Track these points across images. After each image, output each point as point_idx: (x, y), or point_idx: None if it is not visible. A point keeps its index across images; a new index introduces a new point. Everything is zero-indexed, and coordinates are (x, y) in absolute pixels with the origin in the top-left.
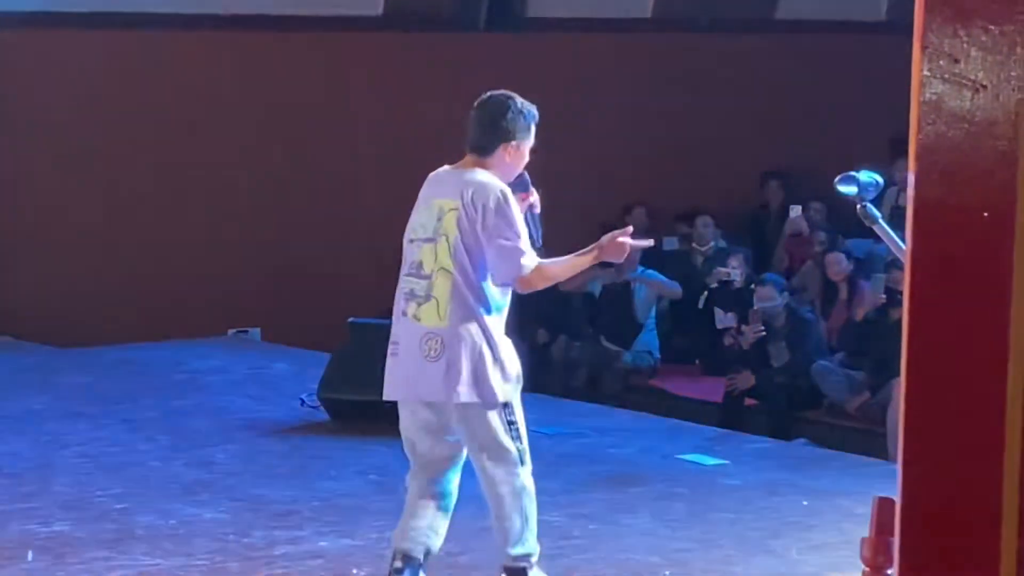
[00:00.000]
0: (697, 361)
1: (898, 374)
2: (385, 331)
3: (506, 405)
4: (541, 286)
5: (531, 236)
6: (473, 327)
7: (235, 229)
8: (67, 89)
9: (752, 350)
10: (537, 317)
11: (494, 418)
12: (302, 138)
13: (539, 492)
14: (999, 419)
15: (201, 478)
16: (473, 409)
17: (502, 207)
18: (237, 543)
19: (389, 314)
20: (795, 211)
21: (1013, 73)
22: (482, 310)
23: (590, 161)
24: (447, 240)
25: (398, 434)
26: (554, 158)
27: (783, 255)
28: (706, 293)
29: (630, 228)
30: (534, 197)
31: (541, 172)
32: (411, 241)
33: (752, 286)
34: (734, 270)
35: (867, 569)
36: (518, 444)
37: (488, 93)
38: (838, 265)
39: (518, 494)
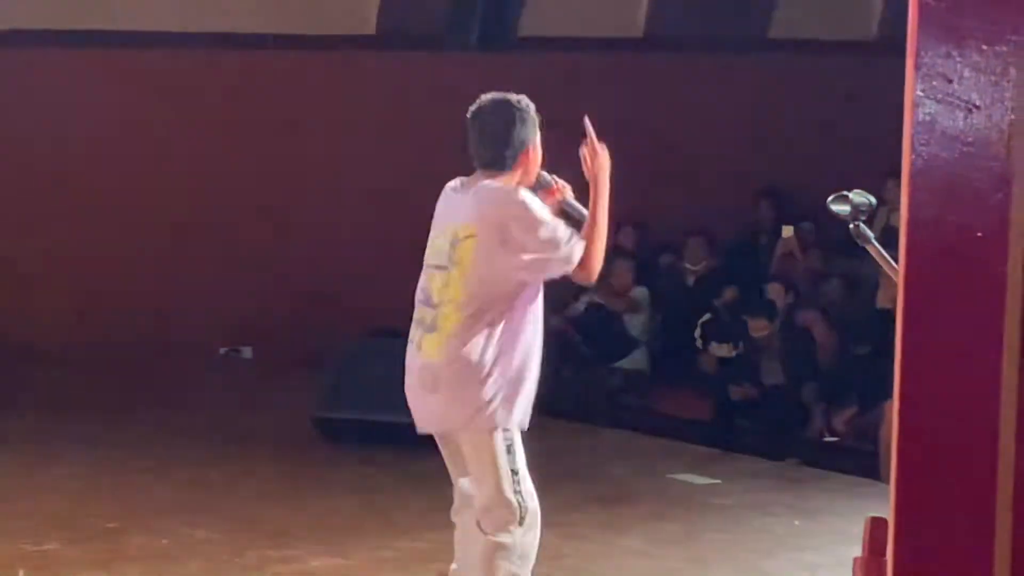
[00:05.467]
0: (687, 381)
1: (888, 396)
2: (377, 349)
3: (506, 431)
4: (598, 263)
5: (578, 223)
6: (479, 356)
7: (227, 249)
8: (55, 108)
9: (745, 369)
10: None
11: (487, 447)
12: (294, 157)
13: None
14: (993, 439)
15: (194, 497)
16: (475, 436)
17: (524, 219)
18: (230, 563)
19: (381, 333)
20: (787, 231)
21: (1006, 94)
22: (491, 343)
23: (581, 179)
24: (460, 270)
25: (391, 453)
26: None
27: (775, 274)
28: (700, 328)
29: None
30: (562, 188)
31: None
32: (426, 266)
33: (744, 317)
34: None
35: None
36: (516, 488)
37: (484, 100)
38: (774, 293)
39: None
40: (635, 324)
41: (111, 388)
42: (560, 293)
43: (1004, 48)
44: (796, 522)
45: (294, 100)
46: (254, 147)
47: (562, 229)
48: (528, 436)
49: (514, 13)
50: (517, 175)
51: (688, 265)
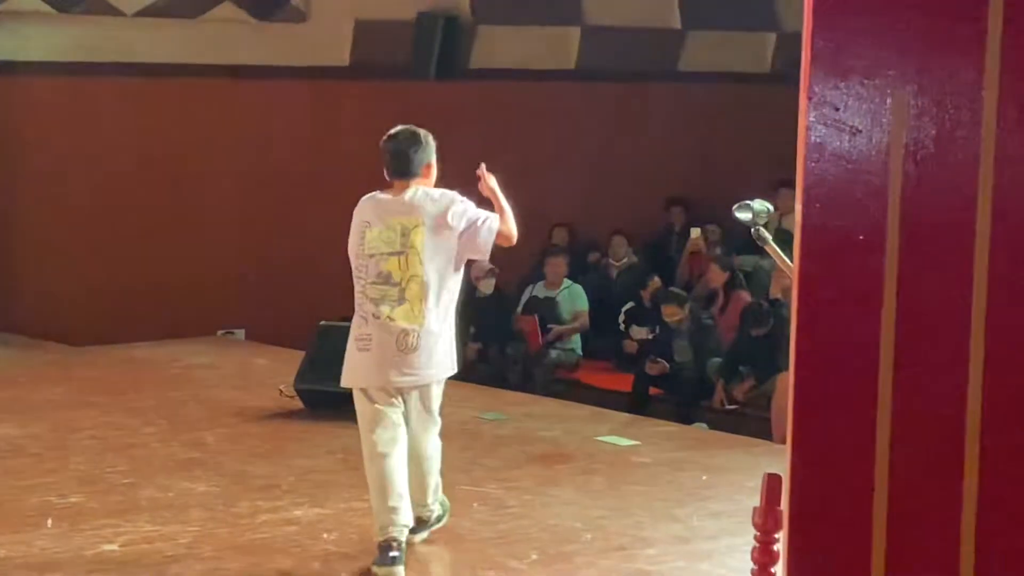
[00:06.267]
0: (612, 358)
1: (781, 369)
2: (346, 331)
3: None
4: (513, 230)
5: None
6: (441, 322)
7: (224, 246)
8: (84, 126)
9: (660, 349)
10: (477, 323)
11: (439, 390)
12: (283, 171)
13: (480, 468)
14: (872, 406)
15: (194, 457)
16: (434, 385)
17: (456, 205)
18: (225, 512)
19: (350, 318)
20: (695, 232)
21: (884, 120)
22: (445, 306)
23: (522, 189)
24: (416, 251)
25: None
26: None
27: (685, 269)
28: (623, 315)
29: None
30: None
31: (486, 198)
32: (371, 256)
33: (660, 304)
34: (677, 318)
35: (758, 534)
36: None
37: (397, 130)
38: (716, 275)
39: (439, 454)
40: (567, 313)
41: (124, 364)
42: (515, 293)
43: (882, 81)
44: (703, 477)
45: (283, 119)
46: (249, 162)
47: (483, 211)
48: (479, 404)
49: (466, 49)
50: (421, 183)
51: (612, 261)
